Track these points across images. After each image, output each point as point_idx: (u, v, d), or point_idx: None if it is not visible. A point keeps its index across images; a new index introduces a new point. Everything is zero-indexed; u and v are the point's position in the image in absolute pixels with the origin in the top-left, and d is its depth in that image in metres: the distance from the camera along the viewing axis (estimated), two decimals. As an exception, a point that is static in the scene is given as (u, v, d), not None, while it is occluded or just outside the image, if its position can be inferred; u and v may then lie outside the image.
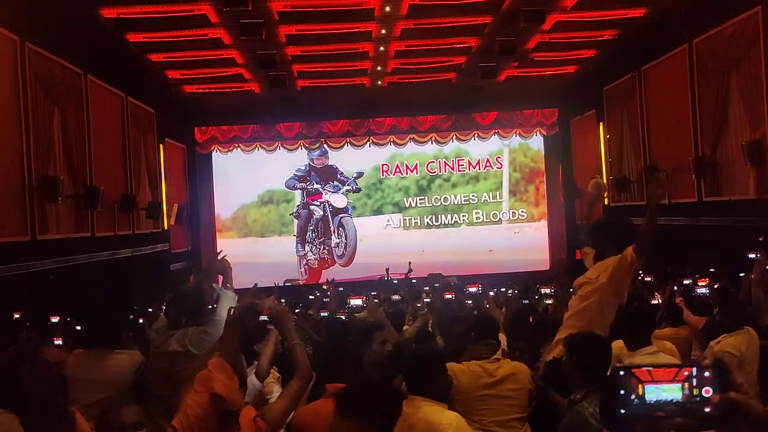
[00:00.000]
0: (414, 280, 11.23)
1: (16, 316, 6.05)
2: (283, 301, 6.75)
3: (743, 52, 8.08)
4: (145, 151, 11.60)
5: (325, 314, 5.73)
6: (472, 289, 5.45)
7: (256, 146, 14.87)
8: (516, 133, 15.22)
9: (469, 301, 5.54)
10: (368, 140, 14.98)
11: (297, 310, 7.95)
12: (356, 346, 3.33)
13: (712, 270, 6.96)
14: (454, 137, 15.16)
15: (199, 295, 3.52)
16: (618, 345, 3.52)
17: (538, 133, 15.23)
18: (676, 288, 6.00)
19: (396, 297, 7.44)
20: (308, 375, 2.52)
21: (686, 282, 6.45)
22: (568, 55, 12.01)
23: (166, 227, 12.54)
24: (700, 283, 5.75)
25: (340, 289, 9.58)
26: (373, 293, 8.10)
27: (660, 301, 5.42)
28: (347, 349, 3.06)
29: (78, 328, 6.71)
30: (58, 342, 5.04)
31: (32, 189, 7.51)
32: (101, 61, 9.62)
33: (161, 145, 12.54)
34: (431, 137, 15.11)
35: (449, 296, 5.15)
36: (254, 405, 2.63)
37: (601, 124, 12.87)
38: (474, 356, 3.18)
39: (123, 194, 10.31)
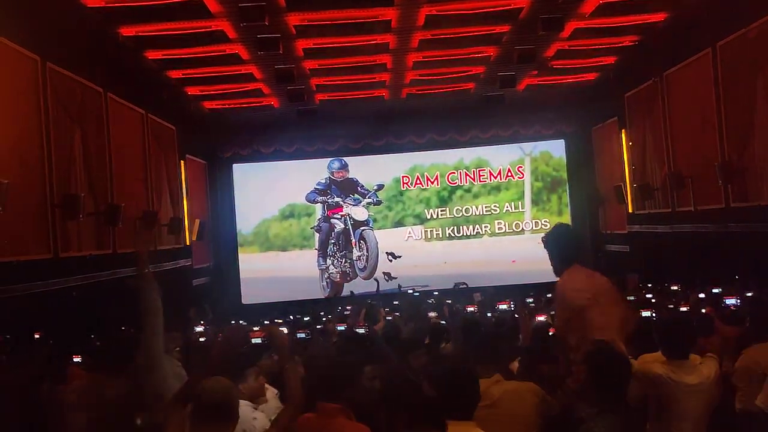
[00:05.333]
0: (416, 292, 11.19)
1: (37, 336, 6.07)
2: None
3: (769, 54, 7.90)
4: (166, 167, 11.68)
5: (342, 328, 5.66)
6: (503, 307, 5.38)
7: (277, 161, 14.91)
8: (537, 142, 15.08)
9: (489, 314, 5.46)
10: (388, 152, 14.95)
11: (319, 327, 7.91)
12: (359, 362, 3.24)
13: (737, 277, 6.78)
14: (475, 147, 15.08)
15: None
16: (653, 357, 3.41)
17: (559, 141, 15.09)
18: (703, 296, 5.84)
19: (432, 314, 7.32)
20: (299, 403, 2.47)
21: (715, 291, 6.27)
22: (588, 63, 11.88)
23: (188, 243, 12.59)
24: (728, 299, 5.57)
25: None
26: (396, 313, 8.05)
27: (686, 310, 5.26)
28: (346, 365, 2.98)
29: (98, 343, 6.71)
30: (77, 359, 5.03)
31: (54, 207, 7.57)
32: (121, 79, 9.71)
33: (182, 162, 12.62)
34: (451, 148, 15.03)
35: (471, 309, 5.07)
36: None
37: (623, 131, 12.69)
38: None
39: (144, 211, 10.36)
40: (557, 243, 3.73)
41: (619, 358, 2.83)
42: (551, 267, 3.76)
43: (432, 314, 7.48)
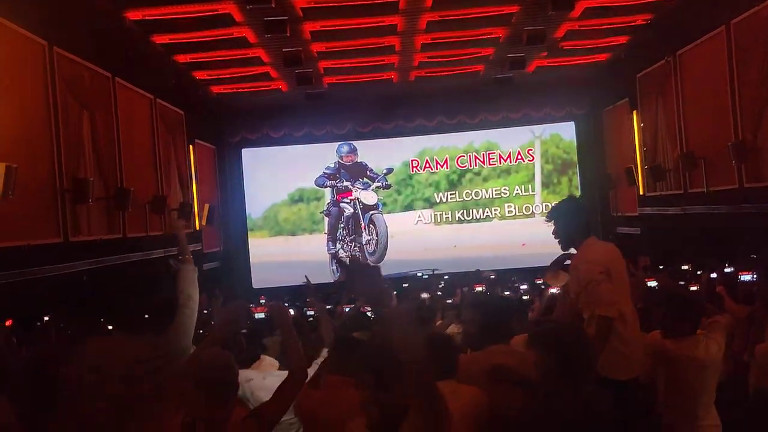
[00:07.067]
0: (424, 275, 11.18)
1: (46, 318, 6.12)
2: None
3: (783, 32, 7.77)
4: (175, 152, 11.69)
5: (348, 309, 5.67)
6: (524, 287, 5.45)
7: (286, 145, 14.90)
8: (547, 124, 14.97)
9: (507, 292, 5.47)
10: (397, 136, 14.89)
11: (328, 307, 7.92)
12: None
13: (753, 257, 6.72)
14: (485, 130, 14.99)
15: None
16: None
17: (569, 123, 14.97)
18: (715, 276, 5.79)
19: (425, 295, 7.36)
20: (301, 375, 2.46)
21: (727, 270, 6.22)
22: (598, 43, 11.72)
23: (197, 228, 12.63)
24: (744, 275, 5.53)
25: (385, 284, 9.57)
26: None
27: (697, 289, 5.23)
28: (357, 340, 3.00)
29: (110, 328, 6.77)
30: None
31: (63, 191, 7.60)
32: (129, 64, 9.69)
33: (191, 146, 12.63)
34: (461, 131, 14.95)
35: (479, 288, 5.07)
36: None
37: (634, 112, 12.55)
38: None
39: (154, 195, 10.39)
40: (570, 216, 3.68)
41: (577, 335, 2.80)
42: (559, 243, 3.71)
43: (424, 295, 7.47)
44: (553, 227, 3.72)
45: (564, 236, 3.67)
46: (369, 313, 5.10)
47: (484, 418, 2.52)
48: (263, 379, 3.43)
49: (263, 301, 7.49)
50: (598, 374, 3.10)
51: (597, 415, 2.54)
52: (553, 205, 3.88)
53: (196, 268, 3.28)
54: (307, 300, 7.24)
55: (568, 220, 3.66)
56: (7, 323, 6.12)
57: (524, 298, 6.81)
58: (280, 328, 2.64)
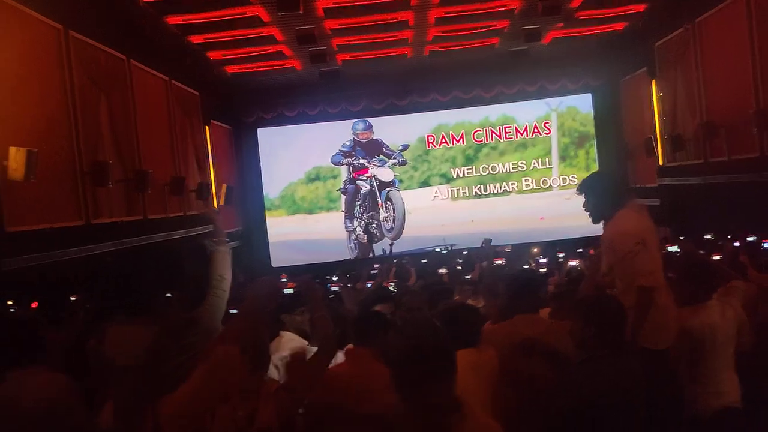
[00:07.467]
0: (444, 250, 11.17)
1: (73, 298, 6.22)
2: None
3: (806, -5, 7.59)
4: (191, 133, 11.74)
5: (370, 285, 5.71)
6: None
7: (301, 124, 14.89)
8: (564, 96, 14.81)
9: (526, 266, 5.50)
10: (412, 112, 14.82)
11: (349, 285, 7.98)
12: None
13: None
14: (500, 104, 14.88)
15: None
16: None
17: (586, 95, 14.80)
18: (738, 245, 5.75)
19: (443, 270, 7.38)
20: (331, 349, 2.49)
21: (750, 238, 6.17)
22: (615, 12, 11.51)
23: (216, 208, 12.70)
24: (766, 243, 5.50)
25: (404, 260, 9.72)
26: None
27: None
28: (377, 314, 3.03)
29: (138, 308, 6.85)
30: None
31: (83, 174, 7.68)
32: (143, 46, 9.71)
33: (207, 127, 12.67)
34: (476, 105, 14.85)
35: (499, 262, 5.09)
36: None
37: (653, 82, 12.37)
38: None
39: (172, 177, 10.46)
40: (602, 189, 3.64)
41: (618, 307, 2.83)
42: (590, 216, 3.67)
43: (442, 270, 7.49)
44: (584, 201, 3.68)
45: (595, 210, 3.64)
46: (391, 288, 5.13)
47: (503, 381, 2.56)
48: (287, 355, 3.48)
49: (285, 279, 7.56)
50: (636, 344, 3.13)
51: (628, 384, 2.56)
52: (584, 178, 3.84)
53: (230, 250, 3.34)
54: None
55: (600, 194, 3.62)
56: (33, 305, 6.23)
57: (542, 270, 6.82)
58: (310, 303, 2.68)
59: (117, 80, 8.89)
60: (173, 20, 9.74)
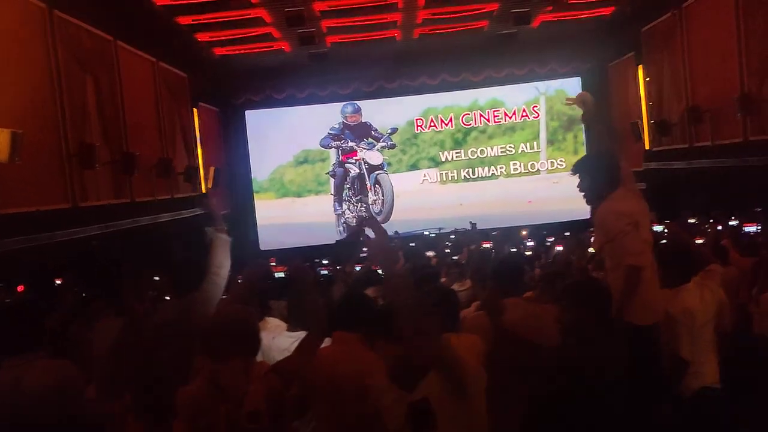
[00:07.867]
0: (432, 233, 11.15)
1: (58, 282, 6.21)
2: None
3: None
4: (179, 115, 11.67)
5: (359, 268, 5.74)
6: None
7: (290, 106, 14.83)
8: (552, 80, 14.83)
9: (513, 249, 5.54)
10: (401, 95, 14.79)
11: (338, 267, 8.00)
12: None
13: (758, 210, 6.74)
14: (489, 88, 14.87)
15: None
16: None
17: (575, 79, 14.82)
18: (721, 228, 5.84)
19: (430, 253, 7.42)
20: (322, 331, 2.52)
21: (732, 223, 6.26)
22: (604, -4, 11.54)
23: (204, 191, 12.67)
24: (748, 227, 5.59)
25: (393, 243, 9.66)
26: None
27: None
28: (364, 297, 3.05)
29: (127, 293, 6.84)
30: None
31: (70, 157, 7.63)
32: (130, 27, 9.61)
33: (195, 109, 12.59)
34: (465, 89, 14.83)
35: (487, 245, 5.13)
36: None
37: (640, 67, 12.42)
38: None
39: (159, 159, 10.41)
40: (597, 170, 3.64)
41: (604, 291, 2.88)
42: (585, 197, 3.67)
43: (430, 253, 7.52)
44: (578, 182, 3.68)
45: (590, 191, 3.64)
46: (380, 271, 5.15)
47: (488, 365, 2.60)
48: (272, 339, 3.50)
49: (273, 263, 7.55)
50: (622, 321, 3.19)
51: (613, 368, 2.62)
52: (579, 159, 3.83)
53: (230, 238, 3.35)
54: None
55: (595, 175, 3.64)
56: (19, 288, 6.21)
57: (527, 254, 6.88)
58: (301, 287, 2.70)
59: (103, 61, 8.80)
60: (160, 1, 9.64)
